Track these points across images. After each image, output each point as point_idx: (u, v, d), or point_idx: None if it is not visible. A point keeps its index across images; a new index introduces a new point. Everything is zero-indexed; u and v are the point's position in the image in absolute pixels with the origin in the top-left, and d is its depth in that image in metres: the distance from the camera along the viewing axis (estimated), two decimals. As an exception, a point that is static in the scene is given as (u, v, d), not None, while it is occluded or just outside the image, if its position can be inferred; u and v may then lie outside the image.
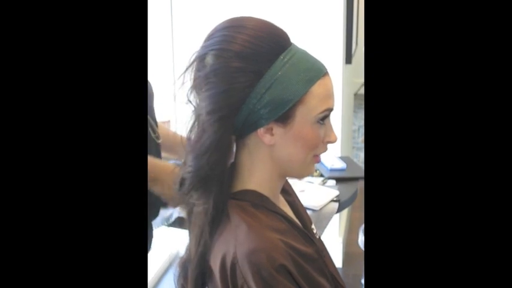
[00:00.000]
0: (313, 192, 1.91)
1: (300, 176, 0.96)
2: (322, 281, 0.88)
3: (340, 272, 3.00)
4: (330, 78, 0.89)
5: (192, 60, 0.88)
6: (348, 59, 2.80)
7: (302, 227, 0.96)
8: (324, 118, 0.88)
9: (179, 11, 2.68)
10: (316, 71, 0.86)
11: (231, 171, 0.95)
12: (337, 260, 2.88)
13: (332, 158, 2.22)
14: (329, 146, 0.93)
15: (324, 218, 1.83)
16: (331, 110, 0.88)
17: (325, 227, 1.83)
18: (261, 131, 0.87)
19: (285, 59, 0.85)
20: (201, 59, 0.87)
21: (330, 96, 0.88)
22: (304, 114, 0.86)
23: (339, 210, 1.92)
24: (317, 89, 0.86)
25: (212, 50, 0.86)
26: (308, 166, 0.93)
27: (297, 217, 1.01)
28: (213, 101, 0.85)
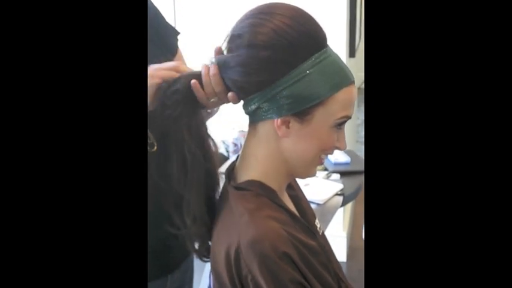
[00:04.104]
0: (318, 186, 1.92)
1: (302, 176, 0.97)
2: (325, 274, 0.89)
3: (344, 266, 2.99)
4: (354, 87, 0.89)
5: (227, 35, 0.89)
6: (352, 52, 2.79)
7: (304, 221, 0.96)
8: (341, 124, 0.89)
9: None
10: (343, 79, 0.86)
11: (238, 162, 0.96)
12: (342, 254, 2.88)
13: (336, 152, 2.21)
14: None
15: (328, 212, 1.83)
16: (349, 117, 0.89)
17: (329, 221, 1.83)
18: (278, 121, 0.87)
19: (317, 60, 0.85)
20: (234, 37, 0.87)
21: (351, 104, 0.88)
22: (323, 116, 0.86)
23: (343, 204, 1.92)
24: (341, 95, 0.86)
25: (245, 33, 0.86)
26: (312, 167, 0.93)
27: (300, 212, 1.01)
28: (238, 74, 0.87)
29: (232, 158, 1.02)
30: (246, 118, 0.95)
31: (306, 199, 1.08)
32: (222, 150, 2.10)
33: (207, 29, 2.57)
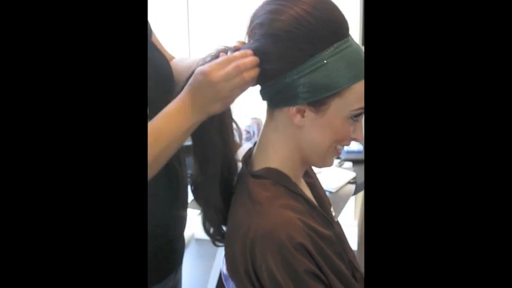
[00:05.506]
0: (330, 174, 1.91)
1: (318, 165, 0.96)
2: (340, 264, 0.89)
3: (355, 254, 3.00)
4: None
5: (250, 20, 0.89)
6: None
7: (321, 209, 0.96)
8: (358, 115, 0.87)
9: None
10: (363, 70, 0.85)
11: (255, 149, 0.96)
12: (353, 243, 2.88)
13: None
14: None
15: (340, 200, 1.83)
16: None
17: (341, 209, 1.83)
18: (293, 110, 0.86)
19: (337, 49, 0.84)
20: (255, 25, 0.87)
21: None
22: (339, 107, 0.85)
23: (356, 192, 1.92)
24: (359, 87, 0.85)
25: (266, 19, 0.85)
26: (328, 157, 0.92)
27: (317, 200, 1.00)
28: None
29: (249, 145, 1.02)
30: (259, 105, 0.94)
31: (322, 187, 1.08)
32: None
33: (221, 24, 2.56)
